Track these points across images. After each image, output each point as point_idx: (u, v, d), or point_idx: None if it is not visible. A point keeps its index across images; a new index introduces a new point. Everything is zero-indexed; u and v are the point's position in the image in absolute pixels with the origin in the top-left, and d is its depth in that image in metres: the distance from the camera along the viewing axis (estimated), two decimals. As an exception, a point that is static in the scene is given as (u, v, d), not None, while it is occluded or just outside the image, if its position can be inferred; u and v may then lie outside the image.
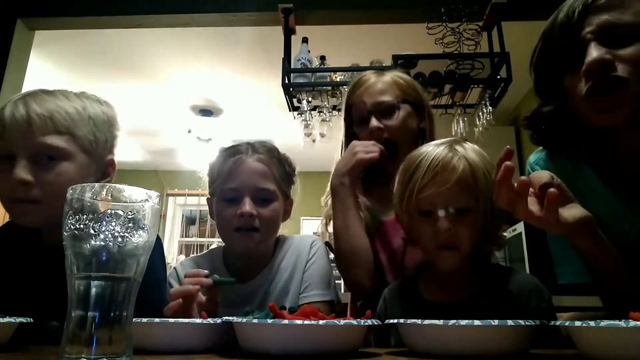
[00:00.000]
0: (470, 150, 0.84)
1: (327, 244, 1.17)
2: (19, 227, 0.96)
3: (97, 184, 0.47)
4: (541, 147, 0.95)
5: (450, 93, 2.30)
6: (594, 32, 0.75)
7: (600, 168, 0.85)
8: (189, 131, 4.30)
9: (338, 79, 2.32)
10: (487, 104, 2.24)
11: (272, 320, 0.59)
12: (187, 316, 0.83)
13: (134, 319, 0.48)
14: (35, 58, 2.85)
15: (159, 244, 1.07)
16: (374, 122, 1.12)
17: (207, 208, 1.14)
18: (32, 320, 0.67)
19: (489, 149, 0.87)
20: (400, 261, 1.09)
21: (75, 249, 0.46)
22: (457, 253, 0.81)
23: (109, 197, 0.46)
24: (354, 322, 0.62)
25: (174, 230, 5.74)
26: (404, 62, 2.27)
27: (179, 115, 4.23)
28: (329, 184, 1.15)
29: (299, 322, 0.57)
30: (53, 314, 0.73)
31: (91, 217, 0.45)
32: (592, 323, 0.54)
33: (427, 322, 0.61)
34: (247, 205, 1.00)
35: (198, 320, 0.69)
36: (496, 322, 0.58)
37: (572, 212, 0.70)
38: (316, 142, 2.46)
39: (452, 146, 0.83)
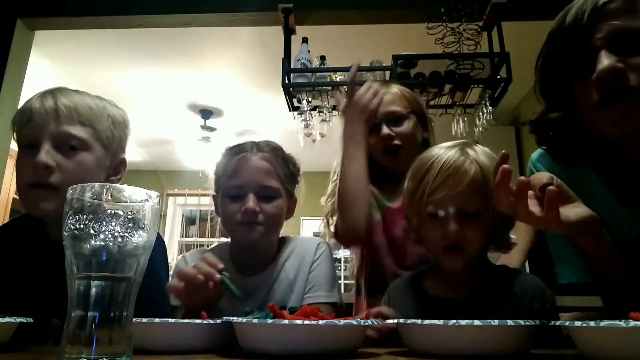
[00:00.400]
0: (481, 153, 0.84)
1: None
2: (21, 224, 0.96)
3: (97, 184, 0.47)
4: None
5: (450, 93, 2.29)
6: (604, 38, 0.72)
7: (603, 170, 0.84)
8: (202, 138, 4.30)
9: (338, 79, 2.31)
10: (487, 104, 2.23)
11: (272, 320, 0.60)
12: (189, 299, 0.86)
13: (134, 319, 0.48)
14: (35, 58, 2.85)
15: (161, 244, 1.08)
16: (385, 129, 1.20)
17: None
18: (32, 320, 0.67)
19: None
20: (400, 249, 1.14)
21: (75, 249, 0.46)
22: (463, 255, 0.81)
23: (109, 197, 0.46)
24: (354, 322, 0.62)
25: (174, 230, 5.72)
26: (404, 62, 2.26)
27: (179, 116, 4.23)
28: (329, 184, 1.16)
29: (299, 322, 0.57)
30: (56, 312, 0.73)
31: (91, 217, 0.45)
32: (592, 323, 0.54)
33: (427, 322, 0.61)
34: (251, 202, 1.01)
35: (198, 320, 0.69)
36: (496, 322, 0.58)
37: (575, 211, 0.70)
38: (316, 142, 2.46)
39: (464, 149, 0.84)
